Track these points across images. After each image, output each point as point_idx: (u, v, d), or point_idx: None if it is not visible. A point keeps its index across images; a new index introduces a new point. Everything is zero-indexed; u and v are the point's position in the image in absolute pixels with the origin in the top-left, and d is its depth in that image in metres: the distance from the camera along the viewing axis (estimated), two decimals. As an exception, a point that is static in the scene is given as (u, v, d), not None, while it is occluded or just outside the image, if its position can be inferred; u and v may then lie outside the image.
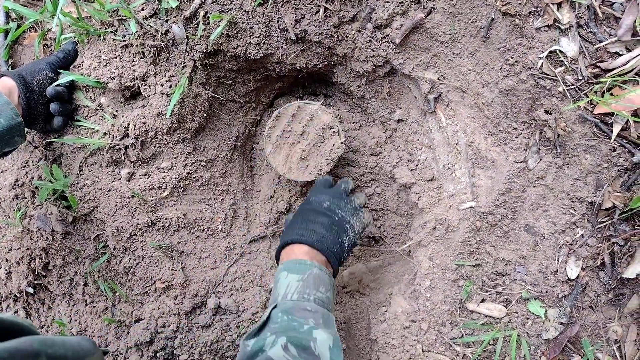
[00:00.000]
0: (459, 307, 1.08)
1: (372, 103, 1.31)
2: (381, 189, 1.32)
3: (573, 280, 0.99)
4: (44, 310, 1.28)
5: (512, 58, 1.00)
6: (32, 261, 1.21)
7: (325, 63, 1.22)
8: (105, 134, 1.14)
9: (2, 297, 1.23)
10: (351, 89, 1.29)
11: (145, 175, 1.19)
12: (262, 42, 1.14)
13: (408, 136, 1.28)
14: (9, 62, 1.21)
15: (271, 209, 1.36)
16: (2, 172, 1.24)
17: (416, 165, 1.26)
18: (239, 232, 1.30)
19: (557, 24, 0.95)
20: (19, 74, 1.03)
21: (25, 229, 1.20)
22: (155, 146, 1.18)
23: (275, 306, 0.85)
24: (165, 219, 1.20)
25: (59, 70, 1.10)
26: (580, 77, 0.95)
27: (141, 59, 1.12)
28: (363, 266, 1.40)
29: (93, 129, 1.15)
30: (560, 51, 0.95)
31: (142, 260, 1.21)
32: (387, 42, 1.11)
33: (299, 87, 1.45)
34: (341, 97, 1.44)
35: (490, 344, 1.03)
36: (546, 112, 1.00)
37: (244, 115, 1.36)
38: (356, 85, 1.28)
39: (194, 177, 1.23)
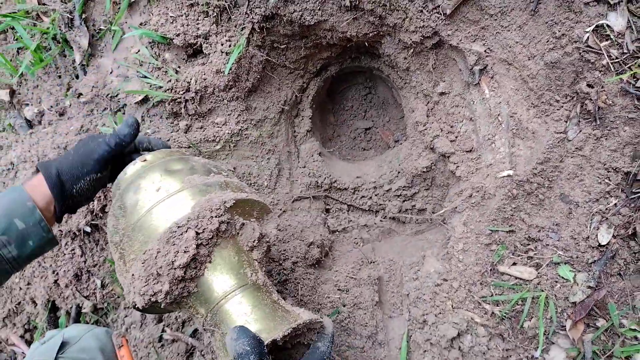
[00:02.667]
0: (490, 269, 1.13)
1: (416, 75, 1.36)
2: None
3: (604, 246, 1.04)
4: (97, 250, 1.38)
5: (559, 31, 1.04)
6: (91, 203, 1.31)
7: (375, 33, 1.28)
8: (168, 89, 1.22)
9: (62, 233, 1.33)
10: (397, 61, 1.35)
11: (201, 128, 1.27)
12: (318, 8, 1.20)
13: (450, 109, 1.33)
14: (82, 17, 1.30)
15: (309, 174, 1.43)
16: (69, 118, 1.34)
17: (456, 137, 1.31)
18: (282, 190, 1.38)
19: (606, -1, 0.99)
20: (59, 177, 0.87)
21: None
22: (212, 102, 1.26)
23: None
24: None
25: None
26: (625, 51, 0.99)
27: (205, 18, 1.20)
28: (397, 236, 1.46)
29: (156, 85, 1.24)
30: (607, 25, 0.99)
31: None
32: (438, 13, 1.16)
33: (346, 58, 1.52)
34: (383, 73, 1.51)
35: (518, 304, 1.09)
36: (588, 85, 1.04)
37: (292, 82, 1.43)
38: (402, 57, 1.33)
39: (245, 134, 1.31)
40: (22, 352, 1.45)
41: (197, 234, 0.74)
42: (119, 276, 0.84)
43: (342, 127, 1.72)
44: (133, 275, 0.75)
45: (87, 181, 0.90)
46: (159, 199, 0.79)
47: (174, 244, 0.73)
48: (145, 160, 0.89)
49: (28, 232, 0.84)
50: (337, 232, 1.46)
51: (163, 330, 1.18)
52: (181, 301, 0.78)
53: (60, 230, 1.32)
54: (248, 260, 0.82)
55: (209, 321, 0.77)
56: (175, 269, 0.72)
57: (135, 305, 0.76)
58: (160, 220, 0.77)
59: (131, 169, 0.89)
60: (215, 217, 0.76)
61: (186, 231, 0.73)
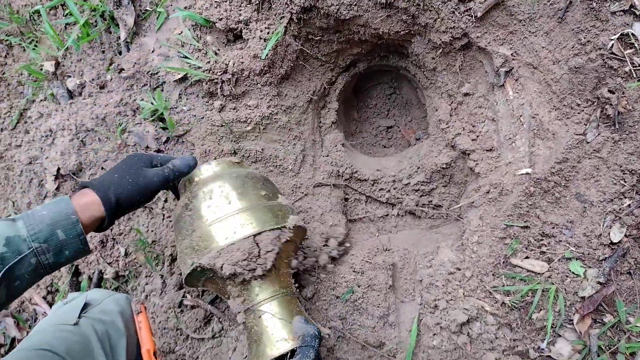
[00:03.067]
0: (503, 262, 1.17)
1: (442, 76, 1.42)
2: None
3: (615, 244, 1.08)
4: (124, 219, 1.44)
5: (585, 38, 1.10)
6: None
7: (406, 31, 1.34)
8: (207, 70, 1.29)
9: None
10: (425, 61, 1.41)
11: (234, 109, 1.34)
12: (354, 3, 1.27)
13: (473, 109, 1.38)
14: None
15: (331, 163, 1.48)
16: (109, 91, 1.42)
17: (477, 136, 1.36)
18: (305, 175, 1.44)
19: (632, 9, 1.05)
20: (117, 205, 0.94)
21: (123, 142, 1.37)
22: (246, 85, 1.32)
23: None
24: (246, 150, 1.34)
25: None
26: (647, 59, 1.04)
27: (247, 5, 1.27)
28: (413, 229, 1.51)
29: (196, 65, 1.31)
30: (632, 34, 1.05)
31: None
32: (469, 15, 1.22)
33: (375, 56, 1.58)
34: (409, 72, 1.56)
35: (528, 296, 1.13)
36: (610, 91, 1.09)
37: (322, 74, 1.49)
38: (430, 57, 1.39)
39: (274, 119, 1.37)
40: (44, 312, 1.51)
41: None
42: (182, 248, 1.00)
43: (364, 123, 1.77)
44: (233, 244, 0.93)
45: (138, 206, 1.01)
46: (229, 212, 0.98)
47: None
48: (218, 164, 1.09)
49: (67, 243, 0.89)
50: (354, 221, 1.51)
51: (183, 297, 1.23)
52: (244, 283, 0.97)
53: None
54: (289, 272, 1.04)
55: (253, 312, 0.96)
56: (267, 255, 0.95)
57: (208, 267, 0.94)
58: (229, 231, 0.96)
59: (206, 168, 1.08)
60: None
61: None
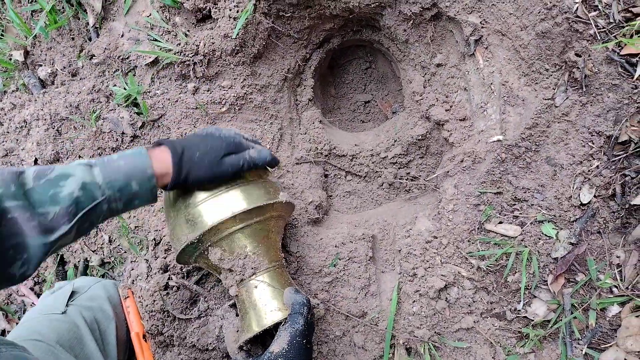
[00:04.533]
0: (478, 228, 1.20)
1: (414, 48, 1.42)
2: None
3: (585, 205, 1.11)
4: (106, 207, 1.44)
5: (550, 2, 1.11)
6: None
7: (377, 4, 1.34)
8: (178, 52, 1.28)
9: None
10: (397, 33, 1.41)
11: (208, 91, 1.33)
12: (322, -23, 1.26)
13: (445, 80, 1.39)
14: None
15: (309, 140, 1.49)
16: (81, 79, 1.40)
17: (450, 106, 1.38)
18: (283, 154, 1.45)
19: (595, -29, 1.06)
20: (182, 177, 0.95)
21: (98, 130, 1.36)
22: (219, 65, 1.32)
23: None
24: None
25: None
26: (611, 21, 1.05)
27: (215, -16, 1.26)
28: (391, 202, 1.53)
29: (166, 47, 1.30)
30: (596, -4, 1.06)
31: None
32: (437, -16, 1.23)
33: (348, 31, 1.57)
34: (383, 46, 1.56)
35: (502, 259, 1.16)
36: (576, 54, 1.11)
37: (296, 51, 1.49)
38: (402, 29, 1.39)
39: (249, 99, 1.37)
40: (32, 303, 1.52)
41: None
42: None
43: (342, 99, 1.78)
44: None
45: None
46: (221, 189, 1.00)
47: None
48: None
49: (139, 194, 0.91)
50: (334, 197, 1.53)
51: (169, 279, 1.25)
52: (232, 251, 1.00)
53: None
54: (279, 246, 1.09)
55: (246, 283, 1.00)
56: None
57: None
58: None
59: None
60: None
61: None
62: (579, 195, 1.12)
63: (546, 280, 1.15)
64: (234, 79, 1.34)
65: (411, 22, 1.35)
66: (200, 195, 0.98)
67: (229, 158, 0.98)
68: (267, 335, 1.02)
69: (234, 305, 1.14)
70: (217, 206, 0.97)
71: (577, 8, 1.07)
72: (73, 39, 1.42)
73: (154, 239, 1.36)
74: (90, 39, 1.40)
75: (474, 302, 1.18)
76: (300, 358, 0.93)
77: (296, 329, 0.93)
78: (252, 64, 1.37)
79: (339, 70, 1.77)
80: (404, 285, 1.22)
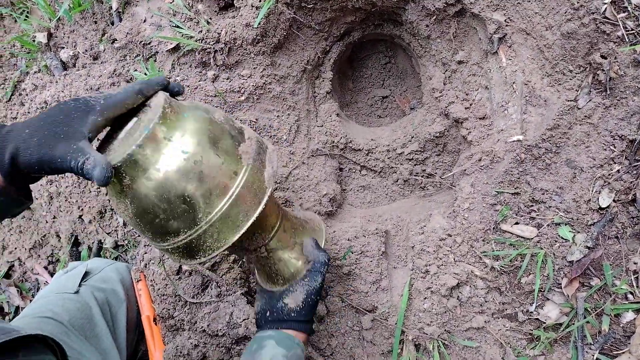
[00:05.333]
0: (493, 228, 1.19)
1: (436, 44, 1.41)
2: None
3: (604, 209, 1.09)
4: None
5: (578, 3, 1.09)
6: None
7: (400, -2, 1.33)
8: (199, 39, 1.28)
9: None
10: (419, 28, 1.40)
11: (227, 79, 1.34)
12: (347, -31, 1.25)
13: (467, 77, 1.38)
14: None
15: (326, 132, 1.49)
16: (102, 62, 1.41)
17: (470, 104, 1.36)
18: (299, 145, 1.45)
19: (626, -28, 1.04)
20: (7, 162, 0.73)
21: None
22: (239, 54, 1.32)
23: None
24: (240, 120, 1.35)
25: None
26: (640, 23, 1.03)
27: (239, -28, 1.26)
28: (406, 198, 1.53)
29: (188, 34, 1.30)
30: (626, -3, 1.04)
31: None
32: (462, -20, 1.21)
33: (369, 25, 1.56)
34: (403, 41, 1.55)
35: (517, 260, 1.15)
36: (602, 56, 1.09)
37: (316, 43, 1.48)
38: (425, 24, 1.38)
39: (268, 89, 1.37)
40: (45, 282, 1.54)
41: None
42: None
43: (359, 94, 1.77)
44: None
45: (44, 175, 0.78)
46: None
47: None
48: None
49: None
50: (349, 190, 1.53)
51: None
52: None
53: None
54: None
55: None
56: None
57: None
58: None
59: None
60: None
61: None
62: (598, 199, 1.10)
63: (560, 283, 1.13)
64: (254, 68, 1.35)
65: (434, 17, 1.34)
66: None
67: (61, 147, 0.72)
68: None
69: (246, 294, 1.15)
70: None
71: (606, 9, 1.05)
72: (96, 22, 1.43)
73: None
74: (112, 23, 1.41)
75: (485, 301, 1.17)
76: (310, 313, 1.00)
77: (313, 287, 0.98)
78: (272, 54, 1.37)
79: (358, 64, 1.76)
80: (416, 282, 1.21)
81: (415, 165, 1.49)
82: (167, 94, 0.83)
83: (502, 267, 1.16)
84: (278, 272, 1.02)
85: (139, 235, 1.44)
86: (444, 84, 1.41)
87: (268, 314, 1.01)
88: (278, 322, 0.99)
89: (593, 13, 1.07)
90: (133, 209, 0.77)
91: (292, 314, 0.97)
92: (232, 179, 0.80)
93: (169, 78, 1.33)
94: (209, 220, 0.79)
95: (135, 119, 0.78)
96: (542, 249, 1.13)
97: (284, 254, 1.01)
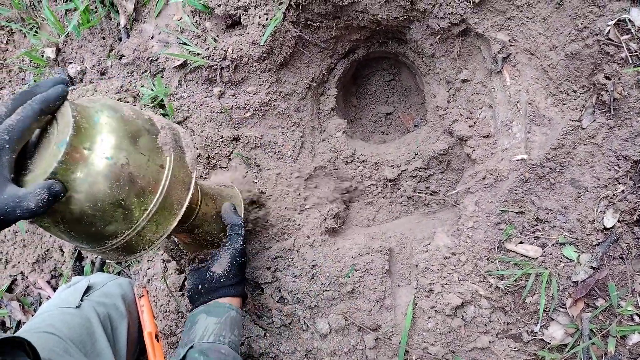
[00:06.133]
0: (498, 247, 1.19)
1: (440, 62, 1.42)
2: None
3: (608, 229, 1.09)
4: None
5: (582, 24, 1.10)
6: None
7: (405, 17, 1.34)
8: (206, 56, 1.30)
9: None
10: (423, 47, 1.41)
11: (233, 95, 1.35)
12: (353, -11, 1.27)
13: (470, 96, 1.38)
14: None
15: (330, 149, 1.50)
16: (109, 78, 1.43)
17: (474, 122, 1.37)
18: (304, 162, 1.45)
19: (629, -6, 1.05)
20: None
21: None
22: (245, 71, 1.33)
23: (191, 346, 0.93)
24: (246, 137, 1.36)
25: None
26: (643, 45, 1.04)
27: (246, -9, 1.28)
28: (410, 215, 1.53)
29: (195, 51, 1.32)
30: (629, 20, 1.05)
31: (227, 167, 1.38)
32: (467, 1, 1.22)
33: (374, 42, 1.58)
34: (408, 59, 1.57)
35: (521, 280, 1.15)
36: (606, 77, 1.09)
37: (321, 60, 1.50)
38: (429, 43, 1.39)
39: (273, 105, 1.38)
40: (48, 296, 1.54)
41: None
42: None
43: (363, 110, 1.78)
44: None
45: None
46: None
47: None
48: None
49: None
50: (352, 207, 1.53)
51: (185, 279, 1.25)
52: None
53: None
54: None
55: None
56: None
57: None
58: None
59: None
60: None
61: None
62: (603, 219, 1.10)
63: (565, 304, 1.13)
64: (260, 85, 1.36)
65: (439, 36, 1.35)
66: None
67: None
68: None
69: (249, 312, 1.15)
70: None
71: (609, 31, 1.06)
72: (104, 38, 1.45)
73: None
74: (120, 39, 1.43)
75: (490, 321, 1.16)
76: (239, 275, 1.04)
77: (235, 249, 1.04)
78: (278, 71, 1.38)
79: (362, 81, 1.77)
80: (420, 301, 1.21)
81: (418, 182, 1.50)
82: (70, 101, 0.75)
83: (507, 286, 1.15)
84: (206, 243, 1.10)
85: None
86: (448, 102, 1.42)
87: (200, 286, 1.03)
88: (210, 293, 1.01)
89: (597, 34, 1.08)
90: (66, 224, 0.75)
91: (222, 279, 1.01)
92: (160, 172, 0.81)
93: (176, 94, 1.35)
94: (146, 216, 0.80)
95: (38, 133, 0.73)
96: (546, 268, 1.13)
97: (209, 225, 1.07)
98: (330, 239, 1.33)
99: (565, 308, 1.13)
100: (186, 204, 0.86)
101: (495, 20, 1.23)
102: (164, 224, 0.84)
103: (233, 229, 1.07)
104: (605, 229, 1.10)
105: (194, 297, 1.04)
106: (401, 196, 1.52)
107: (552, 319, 1.15)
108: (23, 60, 1.56)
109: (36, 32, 1.52)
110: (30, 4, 1.52)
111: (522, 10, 1.19)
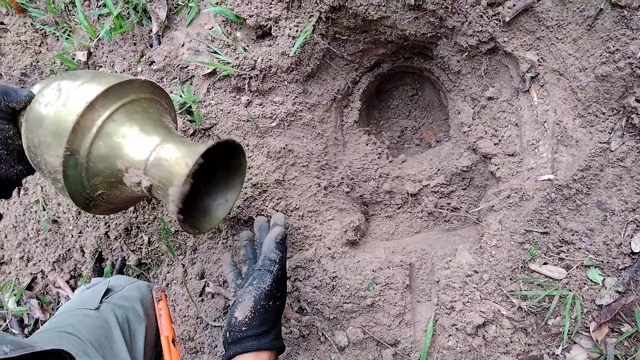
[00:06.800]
0: (521, 266, 1.18)
1: (466, 79, 1.42)
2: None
3: (636, 254, 1.08)
4: (148, 209, 1.47)
5: (614, 47, 1.10)
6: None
7: (433, 33, 1.35)
8: (236, 65, 1.31)
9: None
10: (450, 63, 1.42)
11: (260, 105, 1.36)
12: (382, 4, 1.28)
13: (496, 114, 1.38)
14: None
15: (352, 162, 1.50)
16: (139, 84, 1.45)
17: (499, 140, 1.37)
18: (326, 173, 1.46)
19: (663, 19, 1.05)
20: None
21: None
22: (273, 81, 1.35)
23: None
24: (270, 146, 1.37)
25: None
26: (677, 70, 1.04)
27: (278, 3, 1.30)
28: (430, 231, 1.52)
29: (225, 60, 1.33)
30: (662, 44, 1.04)
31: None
32: (497, 19, 1.23)
33: (400, 57, 1.59)
34: (433, 74, 1.57)
35: (545, 301, 1.13)
36: (637, 100, 1.09)
37: (347, 73, 1.51)
38: (456, 60, 1.40)
39: (299, 116, 1.40)
40: (66, 296, 1.55)
41: None
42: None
43: (385, 124, 1.79)
44: None
45: None
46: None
47: None
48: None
49: None
50: (373, 220, 1.53)
51: (206, 285, 1.26)
52: None
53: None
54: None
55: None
56: None
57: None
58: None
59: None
60: None
61: None
62: (630, 243, 1.09)
63: (588, 328, 1.11)
64: (286, 95, 1.37)
65: (466, 53, 1.35)
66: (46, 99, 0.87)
67: None
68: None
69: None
70: (71, 104, 0.84)
71: (642, 54, 1.06)
72: (135, 44, 1.48)
73: (193, 245, 1.38)
74: (151, 46, 1.45)
75: (511, 342, 1.15)
76: (267, 321, 0.87)
77: (262, 290, 0.87)
78: (305, 83, 1.40)
79: (385, 95, 1.78)
80: (441, 318, 1.20)
81: (440, 198, 1.49)
82: None
83: (530, 307, 1.14)
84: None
85: (162, 255, 1.45)
86: (473, 118, 1.42)
87: (227, 333, 0.89)
88: (233, 345, 0.87)
89: (629, 57, 1.08)
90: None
91: (244, 328, 0.86)
92: None
93: (204, 101, 1.36)
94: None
95: None
96: (570, 290, 1.12)
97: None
98: (350, 251, 1.33)
99: (589, 332, 1.11)
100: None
101: (525, 39, 1.23)
102: None
103: (265, 263, 0.91)
104: (633, 253, 1.08)
105: (224, 345, 0.90)
106: (422, 211, 1.52)
107: (575, 342, 1.13)
108: (54, 63, 1.59)
109: (69, 35, 1.55)
110: (64, 8, 1.55)
111: (552, 31, 1.19)
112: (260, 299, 0.87)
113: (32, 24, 1.61)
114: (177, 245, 1.41)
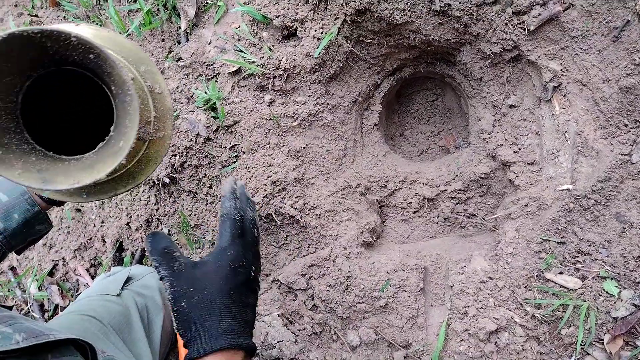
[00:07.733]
0: (537, 275, 1.18)
1: (488, 86, 1.43)
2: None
3: (654, 268, 1.08)
4: (169, 202, 1.51)
5: (639, 58, 1.10)
6: (174, 157, 1.44)
7: (457, 40, 1.36)
8: (261, 64, 1.34)
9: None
10: (472, 70, 1.42)
11: (282, 104, 1.38)
12: (408, 8, 1.29)
13: (517, 122, 1.39)
14: None
15: (370, 164, 1.52)
16: (166, 79, 1.48)
17: (519, 149, 1.37)
18: (344, 174, 1.47)
19: (691, 33, 1.04)
20: None
21: (175, 128, 1.43)
22: (296, 81, 1.37)
23: None
24: (291, 145, 1.39)
25: None
26: (703, 85, 1.03)
27: (305, 4, 1.32)
28: (446, 236, 1.53)
29: (250, 59, 1.36)
30: (689, 58, 1.04)
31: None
32: (522, 28, 1.23)
33: (422, 62, 1.60)
34: (454, 80, 1.58)
35: (559, 310, 1.14)
36: (661, 113, 1.09)
37: (369, 76, 1.53)
38: (478, 66, 1.40)
39: (320, 116, 1.42)
40: (86, 283, 1.59)
41: None
42: None
43: (405, 128, 1.80)
44: None
45: None
46: None
47: None
48: None
49: (12, 204, 0.85)
50: (388, 223, 1.54)
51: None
52: None
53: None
54: None
55: None
56: None
57: None
58: None
59: None
60: None
61: None
62: (648, 256, 1.09)
63: (602, 339, 1.11)
64: (309, 95, 1.39)
65: (489, 61, 1.36)
66: None
67: None
68: None
69: (282, 315, 1.17)
70: None
71: (668, 68, 1.06)
72: (163, 40, 1.51)
73: (212, 239, 1.41)
74: (179, 43, 1.49)
75: (523, 349, 1.15)
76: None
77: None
78: (327, 84, 1.42)
79: (405, 99, 1.79)
80: (453, 322, 1.21)
81: (457, 204, 1.50)
82: None
83: (543, 316, 1.14)
84: None
85: (181, 247, 1.48)
86: (493, 126, 1.42)
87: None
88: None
89: (654, 70, 1.08)
90: None
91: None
92: None
93: (228, 99, 1.39)
94: None
95: None
96: (585, 301, 1.12)
97: None
98: (366, 252, 1.35)
99: (603, 344, 1.11)
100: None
101: (549, 49, 1.24)
102: None
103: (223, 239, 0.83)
104: (651, 266, 1.08)
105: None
106: (438, 216, 1.53)
107: (588, 354, 1.13)
108: (84, 56, 1.63)
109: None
110: (96, 2, 1.60)
111: (576, 41, 1.19)
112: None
113: (64, 17, 1.66)
114: (196, 239, 1.44)
